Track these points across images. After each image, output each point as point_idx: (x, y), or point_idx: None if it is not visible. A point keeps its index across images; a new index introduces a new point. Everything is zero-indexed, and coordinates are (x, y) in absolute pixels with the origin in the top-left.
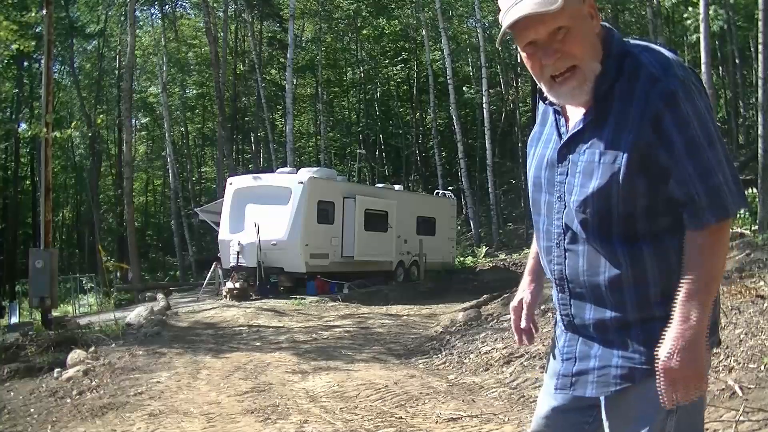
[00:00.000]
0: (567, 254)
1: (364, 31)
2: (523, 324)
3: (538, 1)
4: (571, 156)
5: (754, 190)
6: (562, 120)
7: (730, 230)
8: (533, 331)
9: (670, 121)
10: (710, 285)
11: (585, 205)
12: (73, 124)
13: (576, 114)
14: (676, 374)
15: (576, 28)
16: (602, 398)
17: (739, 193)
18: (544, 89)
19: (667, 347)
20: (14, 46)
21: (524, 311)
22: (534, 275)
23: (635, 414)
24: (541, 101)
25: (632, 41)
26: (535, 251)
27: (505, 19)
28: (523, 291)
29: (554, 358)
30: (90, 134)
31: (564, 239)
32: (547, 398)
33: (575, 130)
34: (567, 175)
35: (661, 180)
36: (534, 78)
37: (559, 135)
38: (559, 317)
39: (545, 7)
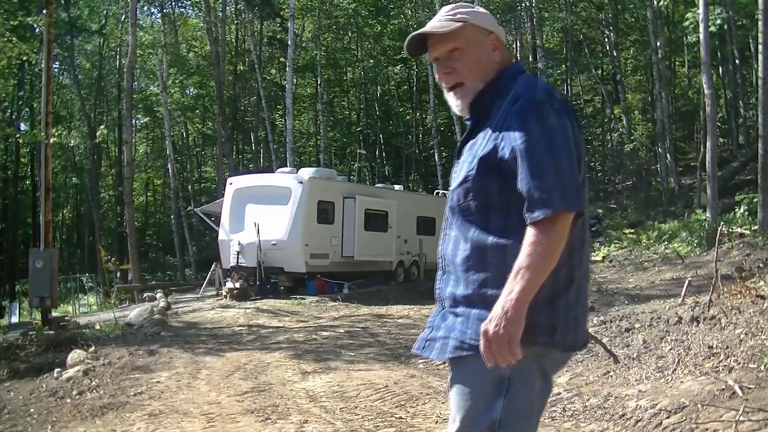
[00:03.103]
0: (445, 237)
1: (365, 29)
2: None
3: (438, 25)
4: (459, 156)
5: (751, 194)
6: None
7: (566, 228)
8: None
9: (517, 131)
10: (534, 268)
11: (454, 195)
12: (63, 134)
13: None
14: (492, 336)
15: (469, 52)
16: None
17: (573, 196)
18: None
19: (490, 314)
20: (18, 53)
21: None
22: None
23: (460, 382)
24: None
25: (528, 75)
26: None
27: (417, 34)
28: None
29: None
30: (91, 141)
31: (446, 223)
32: None
33: (466, 134)
34: (456, 172)
35: (513, 180)
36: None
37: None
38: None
39: (439, 29)
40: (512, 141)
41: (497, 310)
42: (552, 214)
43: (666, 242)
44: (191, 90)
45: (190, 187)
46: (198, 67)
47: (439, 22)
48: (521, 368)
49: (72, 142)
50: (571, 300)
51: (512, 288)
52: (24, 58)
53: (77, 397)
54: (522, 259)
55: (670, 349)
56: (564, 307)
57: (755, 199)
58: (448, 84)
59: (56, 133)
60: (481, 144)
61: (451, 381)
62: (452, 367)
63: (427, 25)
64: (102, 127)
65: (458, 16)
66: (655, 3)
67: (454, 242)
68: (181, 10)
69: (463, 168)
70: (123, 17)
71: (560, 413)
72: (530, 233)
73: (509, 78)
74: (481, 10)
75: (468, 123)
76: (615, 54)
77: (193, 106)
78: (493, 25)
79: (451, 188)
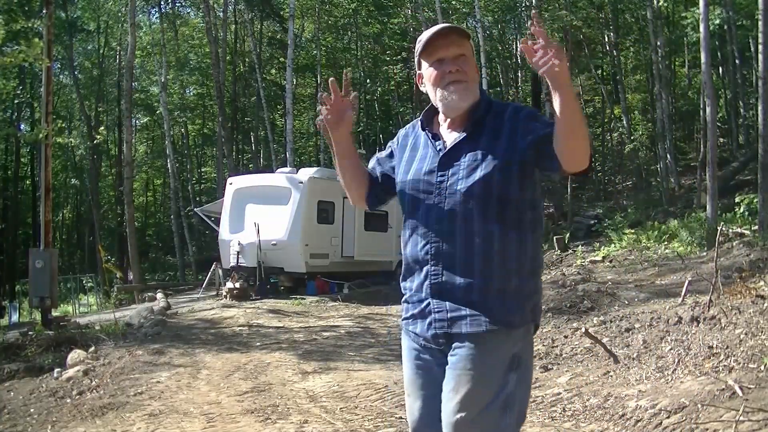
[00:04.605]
0: (445, 234)
1: (365, 28)
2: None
3: (457, 29)
4: (451, 162)
5: (751, 194)
6: (438, 143)
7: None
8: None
9: (537, 123)
10: (580, 112)
11: (471, 192)
12: (63, 134)
13: (451, 136)
14: (556, 56)
15: (470, 62)
16: (456, 343)
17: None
18: (438, 96)
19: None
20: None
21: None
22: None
23: (478, 362)
24: (421, 130)
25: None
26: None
27: (430, 33)
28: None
29: (419, 325)
30: (92, 141)
31: (442, 223)
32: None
33: (455, 143)
34: (448, 176)
35: (528, 175)
36: (430, 91)
37: (437, 152)
38: (425, 288)
39: (462, 32)
40: (534, 129)
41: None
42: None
43: (666, 242)
44: (191, 90)
45: (190, 187)
46: (198, 68)
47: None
48: (527, 344)
49: (73, 141)
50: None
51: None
52: (32, 60)
53: (77, 397)
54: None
55: (670, 349)
56: (538, 296)
57: (755, 199)
58: (456, 78)
59: (56, 129)
60: (492, 145)
61: (463, 362)
62: (468, 349)
63: (440, 26)
64: (102, 129)
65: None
66: (655, 3)
67: (465, 238)
68: (181, 10)
69: (479, 167)
70: (122, 18)
71: (560, 413)
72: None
73: (485, 98)
74: None
75: (418, 141)
76: (615, 54)
77: (193, 106)
78: None
79: (461, 187)
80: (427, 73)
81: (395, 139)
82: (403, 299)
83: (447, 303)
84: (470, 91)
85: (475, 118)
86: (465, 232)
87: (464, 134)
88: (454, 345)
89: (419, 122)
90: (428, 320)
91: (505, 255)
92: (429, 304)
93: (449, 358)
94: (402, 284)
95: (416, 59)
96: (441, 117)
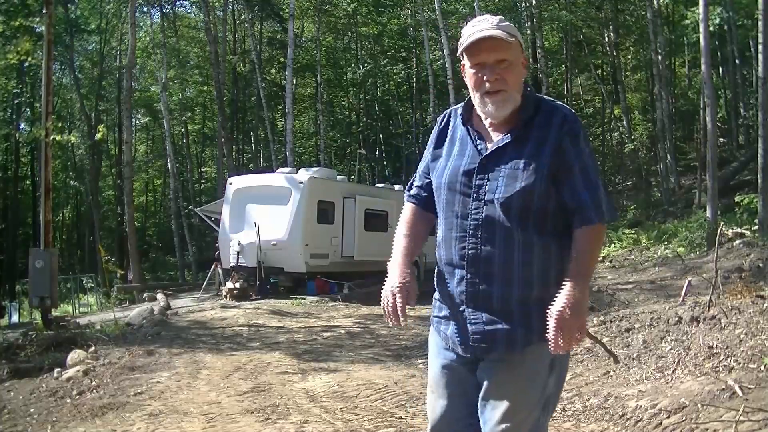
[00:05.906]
0: (483, 241)
1: (363, 29)
2: (403, 305)
3: (503, 33)
4: (492, 165)
5: (751, 194)
6: (480, 141)
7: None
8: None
9: (572, 152)
10: (591, 267)
11: (510, 201)
12: (64, 134)
13: (495, 136)
14: (566, 323)
15: (514, 66)
16: (494, 353)
17: (612, 208)
18: (476, 101)
19: (560, 303)
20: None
21: (407, 294)
22: (409, 257)
23: (528, 371)
24: (461, 125)
25: (544, 96)
26: (405, 238)
27: (474, 35)
28: (402, 275)
29: (451, 328)
30: (91, 141)
31: (480, 229)
32: (436, 360)
33: (498, 146)
34: (487, 180)
35: (559, 190)
36: (470, 91)
37: (478, 151)
38: (459, 294)
39: (506, 37)
40: (568, 158)
41: (570, 301)
42: (604, 221)
43: (666, 242)
44: (190, 90)
45: (190, 187)
46: (198, 66)
47: (497, 30)
48: None
49: (73, 139)
50: None
51: (576, 285)
52: (24, 58)
53: (77, 397)
54: (587, 258)
55: (670, 349)
56: None
57: (755, 200)
58: (494, 89)
59: (56, 127)
60: (536, 154)
61: (505, 370)
62: (508, 361)
63: (486, 30)
64: (102, 126)
65: (510, 31)
66: (655, 3)
67: (505, 244)
68: (181, 9)
69: (519, 176)
70: (122, 16)
71: (560, 413)
72: (585, 237)
73: (532, 95)
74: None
75: (455, 134)
76: (615, 54)
77: (192, 105)
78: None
79: (499, 195)
80: (467, 72)
81: (432, 136)
82: (435, 296)
83: (483, 314)
84: (509, 101)
85: (523, 119)
86: (504, 240)
87: (509, 137)
88: (491, 355)
89: (459, 115)
90: (461, 325)
91: (545, 264)
92: (464, 311)
93: (486, 364)
94: (435, 283)
95: (459, 50)
96: None
